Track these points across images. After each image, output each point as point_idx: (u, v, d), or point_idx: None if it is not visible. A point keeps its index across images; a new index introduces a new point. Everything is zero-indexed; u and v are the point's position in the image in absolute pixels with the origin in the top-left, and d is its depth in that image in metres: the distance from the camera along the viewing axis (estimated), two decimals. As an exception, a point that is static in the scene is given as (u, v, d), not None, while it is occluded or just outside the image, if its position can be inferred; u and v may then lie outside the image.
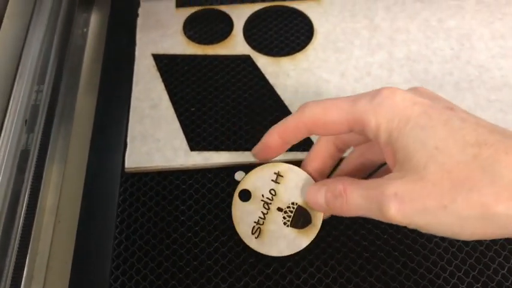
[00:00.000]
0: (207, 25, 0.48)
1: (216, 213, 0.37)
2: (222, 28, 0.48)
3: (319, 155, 0.32)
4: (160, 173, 0.39)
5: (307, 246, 0.31)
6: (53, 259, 0.37)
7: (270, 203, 0.31)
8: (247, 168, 0.39)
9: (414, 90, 0.28)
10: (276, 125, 0.31)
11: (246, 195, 0.32)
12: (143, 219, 0.37)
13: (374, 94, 0.27)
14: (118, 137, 0.41)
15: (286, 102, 0.42)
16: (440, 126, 0.25)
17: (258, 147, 0.33)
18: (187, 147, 0.40)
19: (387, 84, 0.42)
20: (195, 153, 0.39)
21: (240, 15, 0.48)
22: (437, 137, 0.25)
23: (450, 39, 0.45)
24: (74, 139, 0.42)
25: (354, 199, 0.27)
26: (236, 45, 0.46)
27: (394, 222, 0.25)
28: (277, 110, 0.42)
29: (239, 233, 0.32)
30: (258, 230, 0.31)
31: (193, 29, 0.48)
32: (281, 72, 0.44)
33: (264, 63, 0.45)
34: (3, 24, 0.40)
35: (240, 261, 0.35)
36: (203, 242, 0.36)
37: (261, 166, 0.32)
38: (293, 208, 0.31)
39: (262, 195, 0.32)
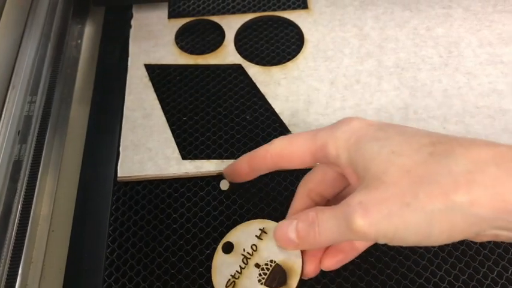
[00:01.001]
0: (199, 35, 0.49)
1: (208, 221, 0.37)
2: (213, 38, 0.48)
3: (297, 211, 0.31)
4: (153, 181, 0.39)
5: None
6: (47, 268, 0.37)
7: (249, 258, 0.31)
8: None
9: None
10: (247, 153, 0.33)
11: (229, 248, 0.33)
12: (136, 228, 0.37)
13: (334, 124, 0.29)
14: (111, 146, 0.41)
15: (277, 110, 0.43)
16: (395, 135, 0.26)
17: (228, 169, 0.35)
18: (179, 156, 0.40)
19: (376, 91, 0.43)
20: (187, 162, 0.40)
21: (231, 25, 0.48)
22: (392, 144, 0.26)
23: (438, 46, 0.46)
24: (67, 149, 0.42)
25: (325, 222, 0.26)
26: (227, 54, 0.47)
27: (361, 237, 0.25)
28: (269, 118, 0.42)
29: (214, 284, 0.32)
30: (233, 283, 0.31)
31: (185, 40, 0.48)
32: (272, 81, 0.44)
33: (255, 72, 0.45)
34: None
35: (231, 268, 0.35)
36: (195, 249, 0.36)
37: (249, 221, 0.33)
38: (270, 266, 0.31)
39: (244, 250, 0.32)
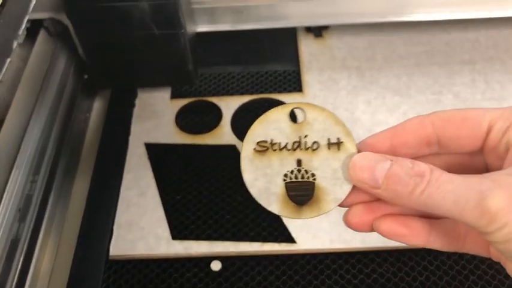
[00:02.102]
0: (198, 115, 0.51)
1: (192, 304, 0.38)
2: (211, 118, 0.51)
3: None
4: (143, 260, 0.41)
5: (272, 213, 0.25)
6: None
7: (300, 149, 0.25)
8: (225, 259, 0.41)
9: None
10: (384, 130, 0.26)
11: (294, 118, 0.26)
12: (123, 308, 0.39)
13: None
14: (106, 224, 0.43)
15: (267, 192, 0.44)
16: None
17: (360, 146, 0.26)
18: (169, 236, 0.42)
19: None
20: (176, 242, 0.41)
21: (228, 106, 0.51)
22: None
23: (427, 132, 0.47)
24: (66, 226, 0.44)
25: (443, 183, 0.21)
26: (223, 134, 0.49)
27: (485, 219, 0.20)
28: (258, 200, 0.44)
29: (249, 131, 0.25)
30: (264, 149, 0.25)
31: (185, 119, 0.51)
32: (264, 163, 0.46)
33: (249, 153, 0.47)
34: (7, 116, 0.44)
35: None
36: (178, 332, 0.37)
37: (337, 119, 0.26)
38: (307, 178, 0.24)
39: (305, 136, 0.25)
